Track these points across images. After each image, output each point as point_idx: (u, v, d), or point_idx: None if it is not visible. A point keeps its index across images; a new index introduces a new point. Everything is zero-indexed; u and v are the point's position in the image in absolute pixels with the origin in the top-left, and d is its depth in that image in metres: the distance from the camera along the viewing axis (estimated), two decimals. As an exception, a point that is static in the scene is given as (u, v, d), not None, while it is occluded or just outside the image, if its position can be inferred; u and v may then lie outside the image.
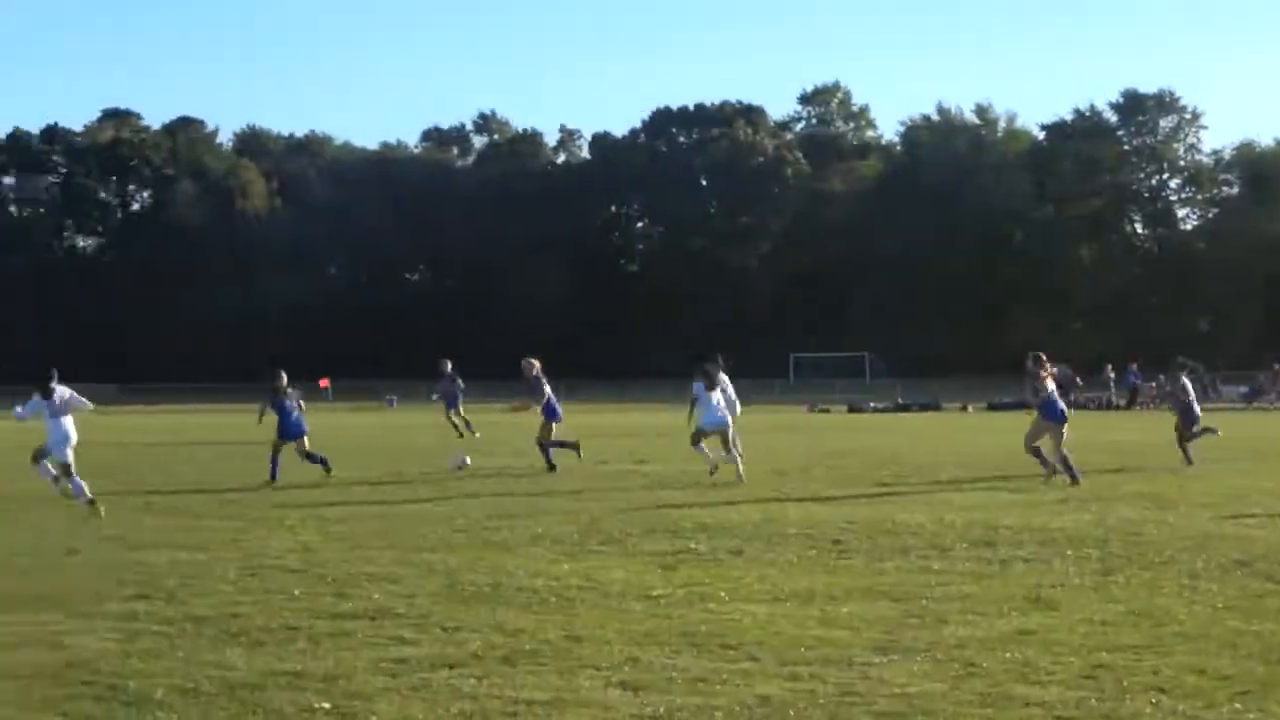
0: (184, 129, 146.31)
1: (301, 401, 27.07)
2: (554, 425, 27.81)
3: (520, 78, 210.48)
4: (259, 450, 27.68)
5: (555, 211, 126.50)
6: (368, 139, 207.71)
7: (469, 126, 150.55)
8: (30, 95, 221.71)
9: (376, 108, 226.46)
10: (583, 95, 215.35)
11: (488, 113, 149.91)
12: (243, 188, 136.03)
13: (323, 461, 26.03)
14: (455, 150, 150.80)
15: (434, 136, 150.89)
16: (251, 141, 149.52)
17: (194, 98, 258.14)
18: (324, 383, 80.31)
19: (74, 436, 20.31)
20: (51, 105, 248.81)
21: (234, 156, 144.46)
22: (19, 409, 21.10)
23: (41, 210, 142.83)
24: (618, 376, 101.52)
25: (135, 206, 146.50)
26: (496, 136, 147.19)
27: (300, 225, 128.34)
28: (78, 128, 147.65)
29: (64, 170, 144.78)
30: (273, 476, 24.91)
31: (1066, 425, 23.88)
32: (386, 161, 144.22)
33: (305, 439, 26.40)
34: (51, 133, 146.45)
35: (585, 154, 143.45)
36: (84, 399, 20.76)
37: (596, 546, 15.47)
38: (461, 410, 41.02)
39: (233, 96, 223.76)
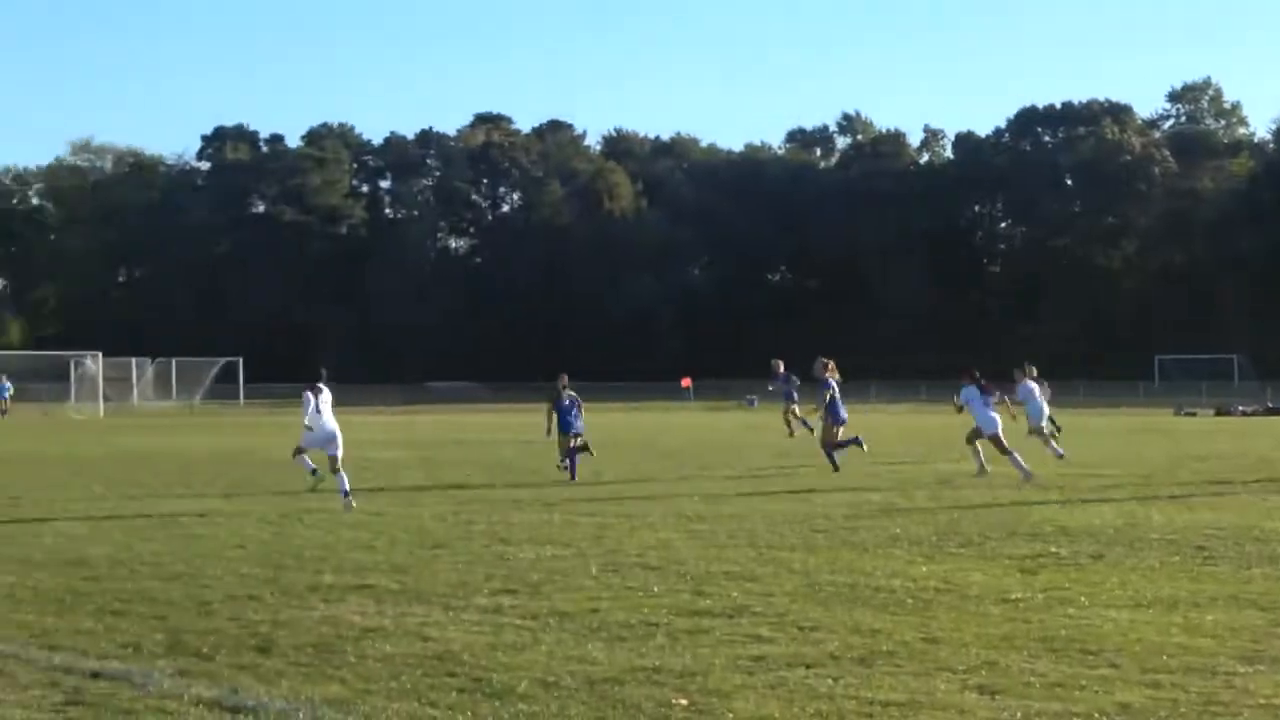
0: (553, 132, 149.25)
1: (580, 402, 28.51)
2: (838, 428, 27.60)
3: (883, 78, 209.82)
4: (620, 449, 28.08)
5: (917, 211, 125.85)
6: (733, 140, 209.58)
7: (832, 127, 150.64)
8: (406, 100, 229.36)
9: (742, 109, 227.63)
10: (947, 95, 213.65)
11: (851, 113, 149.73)
12: (610, 190, 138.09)
13: (572, 463, 26.84)
14: (818, 151, 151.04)
15: (798, 137, 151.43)
16: (618, 144, 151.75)
17: (563, 101, 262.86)
18: (686, 382, 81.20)
19: (339, 433, 21.36)
20: (426, 110, 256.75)
21: (601, 159, 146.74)
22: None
23: (415, 213, 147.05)
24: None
25: (505, 208, 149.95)
26: (860, 137, 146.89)
27: (665, 226, 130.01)
28: (451, 132, 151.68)
29: (438, 173, 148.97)
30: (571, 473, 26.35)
31: None
32: (750, 163, 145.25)
33: (579, 438, 27.51)
34: (426, 136, 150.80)
35: (949, 154, 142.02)
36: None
37: (955, 549, 15.31)
38: (797, 410, 41.12)
39: (600, 100, 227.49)
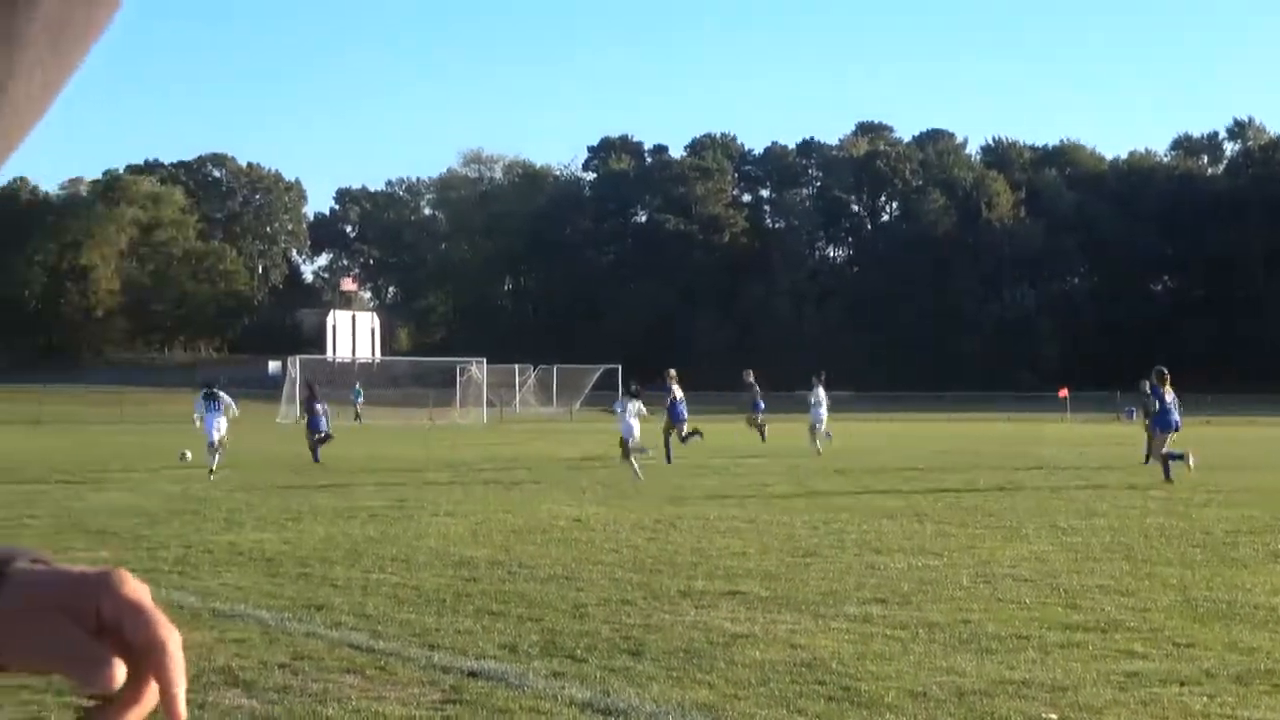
0: (934, 141, 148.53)
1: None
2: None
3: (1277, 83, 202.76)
4: (992, 460, 27.67)
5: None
6: (1115, 148, 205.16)
7: (1221, 134, 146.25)
8: (788, 110, 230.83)
9: (1125, 116, 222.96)
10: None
11: (1243, 119, 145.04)
12: (989, 199, 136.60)
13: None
14: (1205, 158, 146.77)
15: (1184, 144, 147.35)
16: (999, 152, 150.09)
17: (944, 110, 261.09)
18: (1063, 392, 79.89)
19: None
20: (808, 119, 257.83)
21: (981, 167, 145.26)
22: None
23: (795, 222, 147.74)
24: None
25: (884, 218, 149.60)
26: (1251, 143, 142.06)
27: (1044, 235, 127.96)
28: (832, 141, 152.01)
29: (818, 183, 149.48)
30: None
31: None
32: (1134, 170, 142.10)
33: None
34: (807, 146, 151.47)
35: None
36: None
37: (1346, 568, 14.72)
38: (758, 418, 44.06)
39: (982, 107, 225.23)
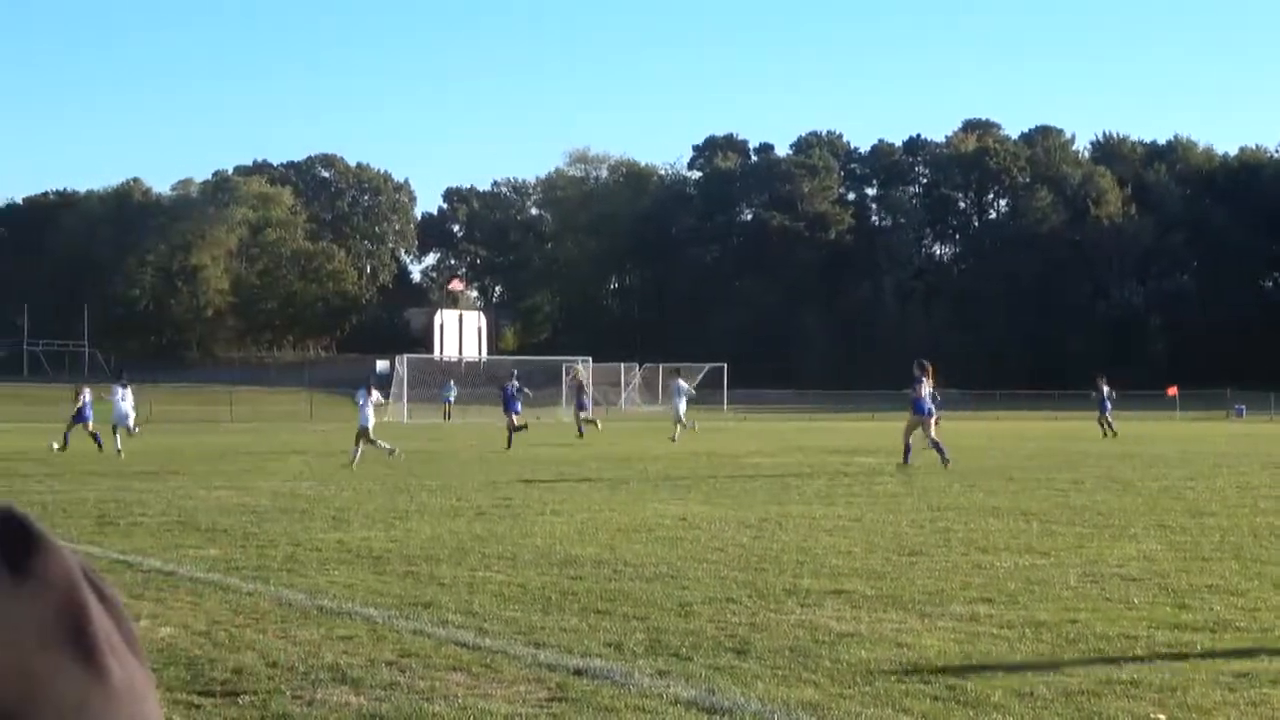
0: (1042, 137, 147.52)
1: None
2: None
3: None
4: (1099, 459, 27.43)
5: None
6: (1227, 143, 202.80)
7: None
8: (894, 108, 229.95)
9: (1236, 112, 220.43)
10: None
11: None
12: (1097, 195, 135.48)
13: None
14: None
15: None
16: (1108, 148, 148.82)
17: (1052, 106, 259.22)
18: (1171, 390, 79.20)
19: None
20: (914, 117, 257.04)
21: (1090, 164, 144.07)
22: None
23: (902, 220, 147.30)
24: None
25: (991, 215, 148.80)
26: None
27: (1154, 232, 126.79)
28: (939, 138, 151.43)
29: (924, 180, 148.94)
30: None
31: None
32: (1245, 167, 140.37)
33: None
34: (914, 144, 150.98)
35: None
36: None
37: None
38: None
39: (1090, 103, 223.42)
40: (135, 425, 41.08)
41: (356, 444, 33.54)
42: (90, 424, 39.49)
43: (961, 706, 8.36)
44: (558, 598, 12.44)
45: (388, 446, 34.00)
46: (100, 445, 37.97)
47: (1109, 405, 51.61)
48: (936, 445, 31.15)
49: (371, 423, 33.88)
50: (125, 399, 39.44)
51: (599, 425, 52.73)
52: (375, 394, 35.63)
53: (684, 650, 10.05)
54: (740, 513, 20.61)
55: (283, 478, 28.50)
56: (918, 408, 31.98)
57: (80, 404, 40.30)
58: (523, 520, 19.48)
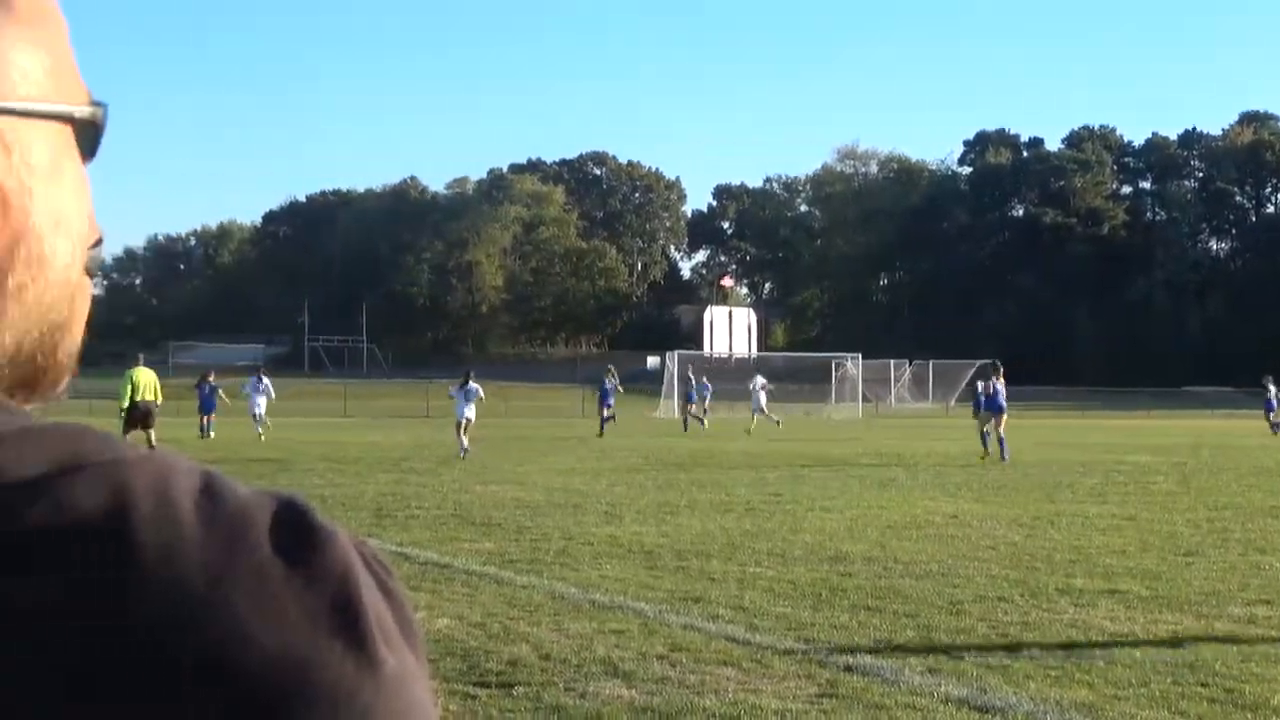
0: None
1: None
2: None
3: None
4: None
5: None
6: None
7: None
8: (1168, 101, 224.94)
9: None
10: None
11: None
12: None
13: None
14: None
15: None
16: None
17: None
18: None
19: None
20: (1189, 110, 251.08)
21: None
22: None
23: (1177, 215, 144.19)
24: None
25: (1269, 209, 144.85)
26: None
27: None
28: (1215, 131, 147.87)
29: (1200, 174, 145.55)
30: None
31: None
32: None
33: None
34: (1189, 137, 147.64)
35: None
36: None
37: None
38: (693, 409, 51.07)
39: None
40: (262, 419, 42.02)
41: (458, 435, 34.40)
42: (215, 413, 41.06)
43: (1239, 710, 8.22)
44: (828, 594, 12.47)
45: (465, 444, 34.15)
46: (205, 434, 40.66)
47: (1275, 405, 50.95)
48: (1000, 441, 33.01)
49: (469, 415, 34.92)
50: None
51: (705, 424, 55.47)
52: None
53: (955, 648, 10.02)
54: (1012, 510, 20.42)
55: (555, 472, 28.89)
56: (994, 405, 33.87)
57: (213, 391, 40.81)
58: (792, 516, 19.53)
